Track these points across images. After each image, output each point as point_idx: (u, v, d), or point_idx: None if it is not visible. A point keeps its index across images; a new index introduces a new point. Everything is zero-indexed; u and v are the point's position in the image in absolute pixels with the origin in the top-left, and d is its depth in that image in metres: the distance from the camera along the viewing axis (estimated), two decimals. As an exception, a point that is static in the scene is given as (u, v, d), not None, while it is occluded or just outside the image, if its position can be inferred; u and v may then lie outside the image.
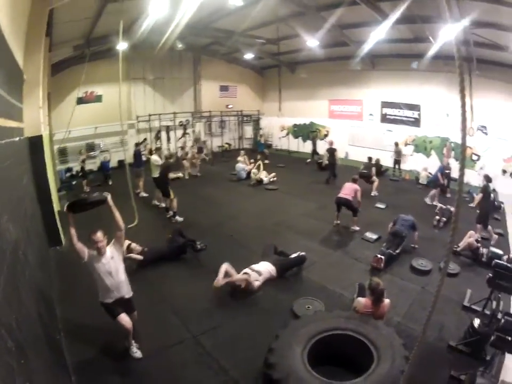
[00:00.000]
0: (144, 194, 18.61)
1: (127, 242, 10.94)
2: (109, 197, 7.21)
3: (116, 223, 7.26)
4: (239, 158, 23.31)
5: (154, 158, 16.74)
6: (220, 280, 9.62)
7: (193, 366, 7.40)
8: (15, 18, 8.81)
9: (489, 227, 14.04)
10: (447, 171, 19.78)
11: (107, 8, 15.27)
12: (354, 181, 15.06)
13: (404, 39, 21.16)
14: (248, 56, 28.19)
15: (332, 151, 22.45)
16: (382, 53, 24.19)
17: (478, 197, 14.18)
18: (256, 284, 9.99)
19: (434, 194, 17.90)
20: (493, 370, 6.56)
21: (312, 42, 22.07)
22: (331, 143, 23.14)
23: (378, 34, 18.48)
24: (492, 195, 14.78)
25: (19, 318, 4.44)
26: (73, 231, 7.03)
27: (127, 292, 7.54)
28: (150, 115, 26.72)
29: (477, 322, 8.05)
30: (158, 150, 17.96)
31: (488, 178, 14.91)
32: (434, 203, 16.96)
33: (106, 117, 22.96)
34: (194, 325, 8.50)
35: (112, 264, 7.16)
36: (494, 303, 8.27)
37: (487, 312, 8.55)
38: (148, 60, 25.75)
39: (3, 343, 3.42)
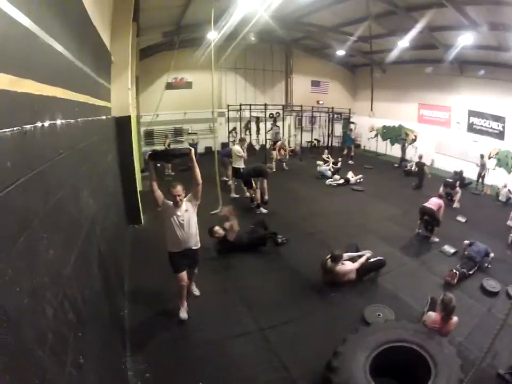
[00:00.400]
0: (232, 183, 18.27)
1: (216, 228, 11.39)
2: (192, 151, 7.56)
3: (195, 177, 7.58)
4: (319, 162, 23.19)
5: (237, 148, 16.52)
6: None
7: (253, 359, 7.42)
8: (99, 2, 9.10)
9: None
10: None
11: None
12: (440, 197, 14.85)
13: (489, 46, 20.61)
14: (340, 52, 27.95)
15: (421, 165, 22.16)
16: (469, 59, 23.67)
17: None
18: (352, 276, 10.25)
19: None
20: None
21: (402, 42, 21.89)
22: (420, 157, 22.87)
23: (465, 39, 18.45)
24: None
25: (86, 292, 4.70)
26: (153, 177, 7.57)
27: (194, 243, 7.87)
28: (240, 105, 26.54)
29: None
30: (242, 141, 17.46)
31: None
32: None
33: (196, 104, 23.59)
34: (262, 318, 8.51)
35: (186, 216, 7.50)
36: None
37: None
38: (240, 50, 25.67)
39: (64, 315, 3.62)
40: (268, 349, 7.61)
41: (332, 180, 21.11)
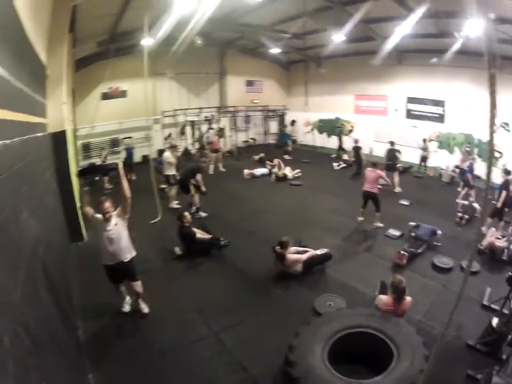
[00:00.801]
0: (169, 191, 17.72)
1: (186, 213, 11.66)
2: (120, 165, 7.65)
3: (123, 192, 7.65)
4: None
5: (166, 155, 16.44)
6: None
7: (212, 363, 7.43)
8: (37, 14, 8.91)
9: (503, 222, 14.20)
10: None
11: (131, 4, 15.38)
12: (374, 165, 14.86)
13: (429, 34, 21.07)
14: (274, 50, 27.96)
15: (357, 149, 22.58)
16: (408, 48, 24.15)
17: (503, 194, 13.96)
18: (299, 267, 10.30)
19: (467, 193, 17.19)
20: (509, 370, 6.47)
21: (338, 37, 21.85)
22: (356, 141, 23.23)
23: (404, 29, 18.45)
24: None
25: (37, 315, 4.55)
26: (84, 194, 7.80)
27: (126, 256, 7.91)
28: (175, 110, 26.67)
29: (495, 321, 8.04)
30: (173, 147, 17.36)
31: (507, 172, 14.80)
32: (471, 199, 16.35)
33: (131, 112, 23.13)
34: (215, 321, 8.53)
35: (115, 230, 7.60)
36: (512, 303, 8.15)
37: (506, 311, 8.40)
38: (173, 55, 25.18)
39: (20, 341, 3.49)
40: (225, 351, 7.65)
41: (274, 177, 21.40)
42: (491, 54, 2.13)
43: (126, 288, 8.59)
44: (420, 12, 15.83)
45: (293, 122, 30.61)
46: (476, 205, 15.75)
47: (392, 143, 21.33)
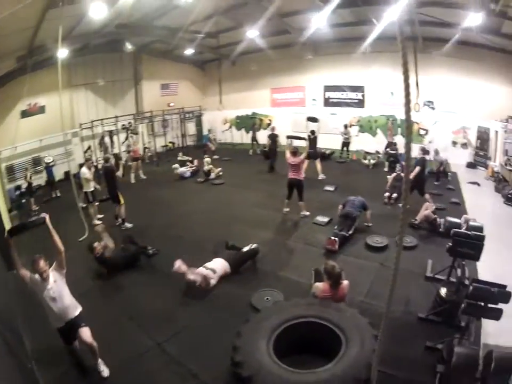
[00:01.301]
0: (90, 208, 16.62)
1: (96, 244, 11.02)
2: (47, 218, 7.14)
3: (55, 245, 7.14)
4: (175, 166, 22.76)
5: (83, 170, 15.63)
6: (180, 265, 9.85)
7: (161, 375, 7.31)
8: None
9: (427, 195, 14.72)
10: (392, 151, 20.90)
11: (48, 15, 14.86)
12: (293, 154, 14.77)
13: (347, 23, 21.60)
14: (189, 51, 27.91)
15: (273, 137, 22.68)
16: (324, 38, 24.35)
17: (415, 169, 14.48)
18: (212, 282, 9.96)
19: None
20: (472, 337, 6.72)
21: (252, 32, 22.05)
22: (273, 129, 23.49)
23: (320, 20, 18.70)
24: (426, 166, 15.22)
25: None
26: (16, 258, 7.06)
27: (73, 311, 7.44)
28: (92, 121, 25.66)
29: (443, 291, 8.33)
30: (87, 161, 16.57)
31: (424, 151, 15.45)
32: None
33: (50, 128, 21.97)
34: (157, 332, 8.37)
35: (56, 288, 7.07)
36: (459, 271, 8.49)
37: (453, 279, 8.77)
38: (89, 65, 25.14)
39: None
40: (173, 361, 7.52)
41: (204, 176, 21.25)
42: (404, 37, 2.17)
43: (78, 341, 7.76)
44: (335, 1, 15.99)
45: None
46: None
47: (312, 132, 21.54)
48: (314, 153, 20.16)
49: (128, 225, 14.85)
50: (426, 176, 15.23)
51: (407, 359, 7.09)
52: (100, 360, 7.39)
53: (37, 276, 6.91)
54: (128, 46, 23.33)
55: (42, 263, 6.86)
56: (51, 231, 7.06)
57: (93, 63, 25.34)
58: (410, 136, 2.51)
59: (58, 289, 7.06)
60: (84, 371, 7.47)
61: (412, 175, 14.57)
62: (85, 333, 7.26)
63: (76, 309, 7.43)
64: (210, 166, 21.73)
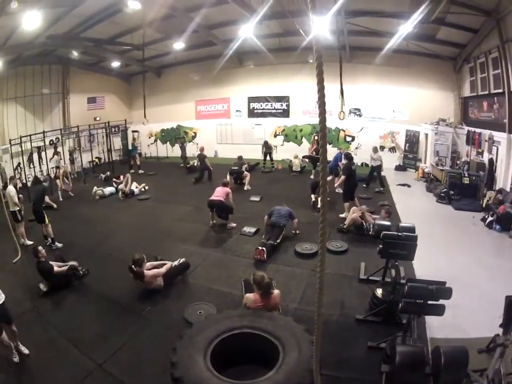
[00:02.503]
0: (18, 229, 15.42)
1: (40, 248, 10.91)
2: None
3: None
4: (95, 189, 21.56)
5: (10, 188, 15.01)
6: None
7: None
8: None
9: (356, 200, 15.05)
10: (318, 156, 20.68)
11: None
12: (224, 185, 15.24)
13: (273, 34, 21.94)
14: (115, 64, 27.88)
15: (202, 158, 22.73)
16: (250, 50, 24.70)
17: (341, 178, 14.99)
18: (160, 281, 10.20)
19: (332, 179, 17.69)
20: (415, 333, 6.79)
21: (178, 44, 22.33)
22: (202, 149, 23.39)
23: (246, 32, 18.93)
24: (354, 172, 15.40)
25: None
26: None
27: None
28: (21, 137, 24.07)
29: (379, 291, 8.60)
30: (12, 179, 16.54)
31: (349, 157, 15.65)
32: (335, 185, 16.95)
33: None
34: (96, 353, 8.07)
35: None
36: (393, 271, 8.60)
37: (388, 280, 8.98)
38: (20, 77, 24.51)
39: None
40: (116, 381, 7.31)
41: (122, 193, 20.62)
42: (318, 46, 2.27)
43: (6, 335, 7.84)
44: (262, 13, 16.29)
45: (134, 132, 29.70)
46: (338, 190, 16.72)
47: (239, 157, 21.78)
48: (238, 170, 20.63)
49: (59, 244, 14.29)
50: (355, 181, 15.33)
51: (351, 360, 7.21)
52: (19, 342, 7.75)
53: None
54: (75, 54, 23.19)
55: None
56: None
57: (23, 76, 24.81)
58: (325, 145, 2.60)
59: None
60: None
61: (338, 183, 15.53)
62: (13, 326, 7.65)
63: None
64: (134, 183, 21.48)
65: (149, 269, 10.41)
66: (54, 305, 10.34)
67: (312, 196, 16.46)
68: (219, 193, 14.71)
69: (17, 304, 9.26)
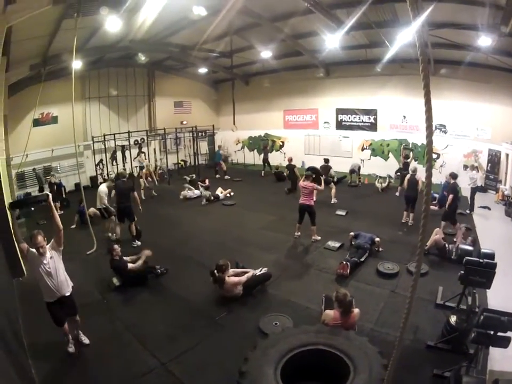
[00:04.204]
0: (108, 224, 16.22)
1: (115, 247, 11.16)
2: (50, 197, 7.40)
3: (55, 223, 7.34)
4: (183, 193, 22.05)
5: (102, 188, 15.34)
6: None
7: None
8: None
9: (458, 224, 14.22)
10: (404, 172, 20.36)
11: (63, 25, 14.73)
12: (307, 177, 14.67)
13: (359, 45, 21.50)
14: (202, 70, 28.34)
15: (291, 168, 22.57)
16: (336, 61, 24.58)
17: (450, 197, 14.27)
18: (239, 289, 10.06)
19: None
20: (479, 365, 6.51)
21: (265, 53, 22.28)
22: (290, 160, 23.24)
23: (333, 42, 18.74)
24: (457, 192, 14.91)
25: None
26: (16, 228, 7.74)
27: (67, 290, 7.66)
28: (104, 135, 25.39)
29: (453, 319, 8.11)
30: (108, 180, 16.58)
31: (454, 176, 15.05)
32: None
33: (63, 139, 21.91)
34: (161, 351, 8.15)
35: (52, 264, 7.30)
36: (470, 299, 8.25)
37: (463, 307, 8.54)
38: (103, 78, 25.37)
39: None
40: (176, 383, 7.30)
41: (205, 200, 20.69)
42: (424, 58, 2.08)
43: (68, 327, 8.05)
44: (348, 24, 16.03)
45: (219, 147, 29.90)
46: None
47: (326, 160, 21.62)
48: (326, 179, 19.82)
49: (138, 242, 14.61)
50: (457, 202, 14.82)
51: (415, 386, 6.90)
52: (80, 332, 8.06)
53: (34, 250, 7.12)
54: (142, 58, 23.07)
55: (40, 238, 7.11)
56: (52, 209, 7.34)
57: (107, 77, 25.65)
58: (431, 161, 2.40)
59: (54, 265, 7.31)
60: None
61: (447, 203, 14.54)
62: (77, 322, 8.01)
63: (69, 287, 7.69)
64: (219, 188, 21.66)
65: (231, 275, 10.36)
66: (124, 300, 10.57)
67: (405, 213, 16.11)
68: (305, 193, 14.31)
69: (86, 295, 9.52)
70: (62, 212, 18.85)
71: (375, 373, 5.86)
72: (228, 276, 10.21)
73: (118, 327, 9.19)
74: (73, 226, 16.44)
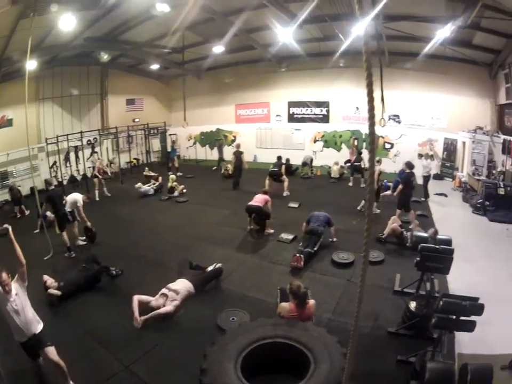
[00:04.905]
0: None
1: (45, 277, 10.59)
2: (10, 229, 7.08)
3: (17, 258, 7.00)
4: (138, 185, 22.25)
5: (76, 197, 14.86)
6: (138, 319, 9.13)
7: None
8: None
9: (412, 211, 14.65)
10: (356, 163, 21.04)
11: (19, 26, 14.67)
12: (265, 193, 15.18)
13: (313, 38, 21.74)
14: (154, 67, 28.33)
15: (238, 154, 22.50)
16: (289, 54, 24.73)
17: (399, 186, 14.63)
18: (175, 303, 9.73)
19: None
20: (445, 349, 6.70)
21: (218, 48, 22.31)
22: (238, 146, 23.34)
23: (286, 36, 18.95)
24: (413, 181, 15.17)
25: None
26: None
27: (38, 326, 7.28)
28: (57, 136, 24.96)
29: (413, 305, 8.35)
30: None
31: (409, 166, 15.24)
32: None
33: (18, 142, 21.14)
34: (123, 354, 8.11)
35: (18, 301, 6.94)
36: (428, 284, 8.47)
37: (423, 293, 8.79)
38: (57, 78, 24.87)
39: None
40: (141, 382, 7.30)
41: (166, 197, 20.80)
42: (368, 51, 2.16)
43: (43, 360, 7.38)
44: (302, 17, 16.20)
45: (172, 135, 29.93)
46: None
47: (278, 158, 21.57)
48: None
49: (81, 243, 14.59)
50: (411, 192, 15.09)
51: (380, 374, 7.07)
52: (71, 382, 7.24)
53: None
54: (104, 56, 23.20)
55: (4, 276, 6.70)
56: (13, 243, 6.96)
57: (61, 76, 25.15)
58: (374, 152, 2.48)
59: (20, 302, 6.94)
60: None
61: (396, 192, 14.98)
62: (51, 352, 7.17)
63: (39, 324, 7.29)
64: (175, 183, 21.57)
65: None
66: (82, 304, 10.37)
67: (363, 201, 16.37)
68: (258, 199, 14.64)
69: (43, 300, 9.52)
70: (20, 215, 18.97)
71: (336, 363, 6.00)
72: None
73: (79, 332, 9.06)
74: (37, 231, 16.03)
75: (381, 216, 15.01)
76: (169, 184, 21.35)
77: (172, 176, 21.88)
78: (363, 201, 16.19)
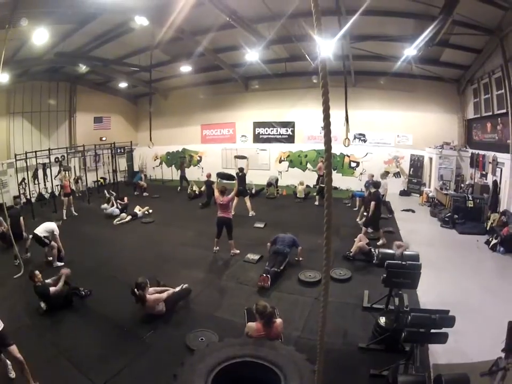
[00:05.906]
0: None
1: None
2: None
3: None
4: (104, 206, 21.94)
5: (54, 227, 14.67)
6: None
7: None
8: None
9: (381, 230, 14.90)
10: (322, 185, 20.87)
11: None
12: (222, 192, 14.71)
13: (279, 59, 22.03)
14: (122, 85, 28.37)
15: (209, 184, 22.62)
16: (255, 74, 25.22)
17: (372, 205, 14.62)
18: (162, 306, 10.11)
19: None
20: (417, 361, 6.71)
21: (185, 68, 22.62)
22: (209, 176, 23.38)
23: (253, 56, 19.22)
24: (381, 199, 15.52)
25: None
26: None
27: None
28: (26, 153, 24.00)
29: (382, 320, 8.49)
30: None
31: (376, 185, 15.61)
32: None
33: None
34: (96, 374, 7.96)
35: None
36: (397, 300, 8.60)
37: (392, 308, 8.88)
38: (27, 93, 24.66)
39: None
40: None
41: (119, 219, 20.39)
42: (325, 74, 2.31)
43: (5, 356, 7.77)
44: (269, 38, 16.61)
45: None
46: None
47: (240, 169, 21.53)
48: (243, 190, 20.31)
49: (59, 263, 14.20)
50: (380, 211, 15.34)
51: (354, 389, 7.10)
52: (30, 377, 7.35)
53: None
54: (82, 67, 23.19)
55: None
56: None
57: (31, 91, 24.94)
58: (330, 173, 2.61)
59: None
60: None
61: (370, 211, 14.88)
62: (14, 350, 7.29)
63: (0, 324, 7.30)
64: (137, 206, 21.58)
65: (152, 293, 10.34)
66: (54, 324, 10.25)
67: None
68: (224, 207, 14.46)
69: (16, 318, 9.42)
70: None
71: (306, 380, 6.04)
72: (149, 294, 10.25)
73: (51, 352, 8.94)
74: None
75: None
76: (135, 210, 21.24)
77: (137, 207, 21.73)
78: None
